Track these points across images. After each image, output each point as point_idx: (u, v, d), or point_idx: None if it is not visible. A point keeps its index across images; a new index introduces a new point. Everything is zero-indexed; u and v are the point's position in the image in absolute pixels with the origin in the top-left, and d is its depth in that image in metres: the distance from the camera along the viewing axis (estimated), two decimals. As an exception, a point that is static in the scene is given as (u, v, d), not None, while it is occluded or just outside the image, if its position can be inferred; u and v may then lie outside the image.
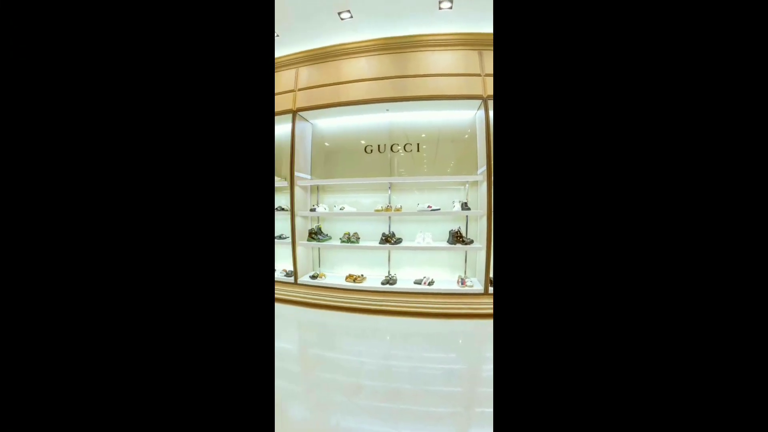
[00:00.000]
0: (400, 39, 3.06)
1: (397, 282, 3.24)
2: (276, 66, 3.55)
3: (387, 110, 3.30)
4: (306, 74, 3.42)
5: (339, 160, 3.73)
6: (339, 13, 2.74)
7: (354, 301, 3.10)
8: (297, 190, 3.46)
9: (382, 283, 3.21)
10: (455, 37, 2.99)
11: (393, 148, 3.53)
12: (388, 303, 2.99)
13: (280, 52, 3.44)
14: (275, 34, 3.10)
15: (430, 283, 3.13)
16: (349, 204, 3.60)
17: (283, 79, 3.51)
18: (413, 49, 3.07)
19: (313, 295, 3.28)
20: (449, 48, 3.01)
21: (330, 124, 3.72)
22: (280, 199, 3.90)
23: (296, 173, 3.43)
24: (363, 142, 3.61)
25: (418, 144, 3.47)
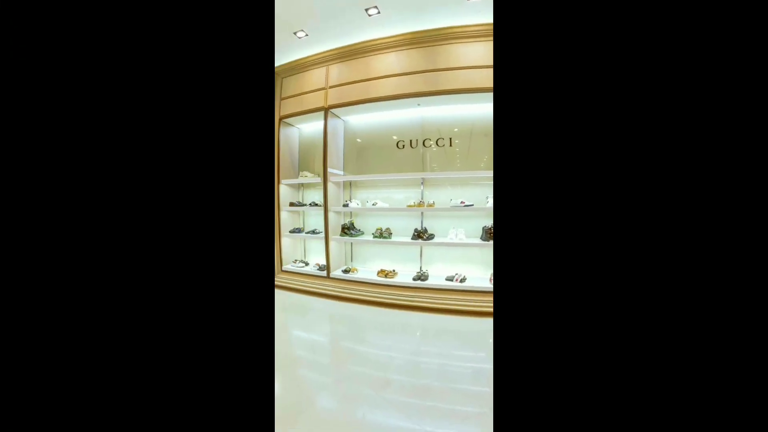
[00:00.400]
0: (429, 32, 3.01)
1: (429, 278, 3.22)
2: (306, 64, 3.63)
3: (418, 105, 3.27)
4: (336, 72, 3.46)
5: (371, 155, 3.75)
6: (366, 10, 2.73)
7: (385, 296, 3.12)
8: (330, 186, 3.52)
9: (414, 279, 3.20)
10: (485, 27, 2.88)
11: (425, 143, 3.49)
12: (419, 299, 2.98)
13: (309, 50, 3.50)
14: (305, 34, 3.17)
15: (462, 280, 3.08)
16: (382, 199, 3.61)
17: (314, 78, 3.58)
18: (443, 42, 3.00)
19: (345, 289, 3.34)
20: (480, 39, 2.91)
21: (361, 120, 3.75)
22: (314, 195, 4.00)
23: (329, 169, 3.49)
24: (395, 137, 3.60)
25: (450, 138, 3.41)
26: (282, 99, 3.80)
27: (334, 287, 3.40)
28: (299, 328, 2.81)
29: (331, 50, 3.43)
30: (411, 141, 3.54)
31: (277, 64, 3.76)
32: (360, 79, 3.30)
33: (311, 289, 3.49)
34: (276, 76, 3.83)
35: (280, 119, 3.80)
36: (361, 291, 3.25)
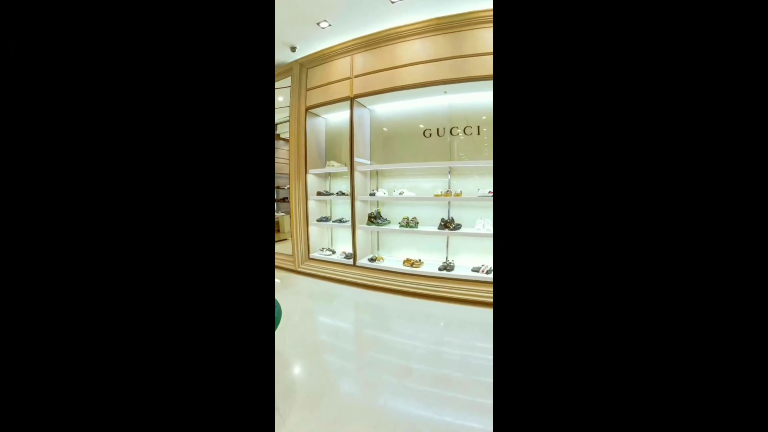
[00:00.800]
0: (455, 17, 2.91)
1: (455, 268, 3.19)
2: (330, 55, 3.63)
3: (445, 92, 3.20)
4: (361, 61, 3.44)
5: (398, 144, 3.73)
6: (389, -4, 2.69)
7: (410, 285, 3.14)
8: (357, 175, 3.55)
9: (440, 269, 3.19)
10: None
11: (452, 131, 3.42)
12: (444, 289, 2.98)
13: (333, 40, 3.49)
14: (328, 24, 3.16)
15: (489, 272, 3.03)
16: (409, 189, 3.60)
17: (339, 68, 3.58)
18: (469, 28, 2.90)
19: (371, 277, 3.39)
20: (508, 22, 2.79)
21: (387, 109, 3.72)
22: (341, 184, 4.05)
23: (356, 159, 3.51)
24: (421, 126, 3.56)
25: (478, 126, 3.32)
26: (308, 90, 3.84)
27: (360, 275, 3.45)
28: (325, 314, 2.89)
29: (355, 39, 3.41)
30: (438, 129, 3.48)
31: (301, 54, 3.80)
32: (385, 67, 3.27)
33: (338, 277, 3.57)
34: (301, 67, 3.87)
35: (306, 110, 3.84)
36: (387, 280, 3.28)
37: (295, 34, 3.37)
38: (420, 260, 3.41)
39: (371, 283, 3.33)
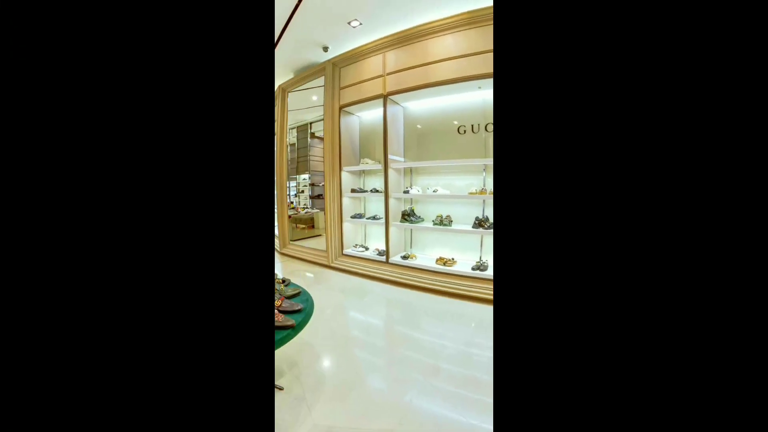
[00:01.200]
0: (486, 11, 2.81)
1: (488, 268, 3.12)
2: (363, 53, 3.66)
3: (479, 87, 3.12)
4: (393, 58, 3.43)
5: (431, 141, 3.70)
6: (419, -8, 2.67)
7: (442, 284, 3.11)
8: (391, 173, 3.56)
9: (473, 269, 3.13)
10: None
11: (487, 127, 3.33)
12: (477, 289, 2.92)
13: (364, 39, 3.51)
14: (359, 23, 3.18)
15: (524, 271, 2.94)
16: (443, 186, 3.56)
17: (371, 66, 3.60)
18: (502, 20, 2.80)
19: (403, 274, 3.39)
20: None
21: (421, 106, 3.69)
22: (375, 182, 4.08)
23: (390, 156, 3.52)
24: (456, 122, 3.50)
25: (514, 121, 3.20)
26: (341, 88, 3.90)
27: (393, 272, 3.47)
28: (356, 310, 2.93)
29: (386, 37, 3.41)
30: (472, 126, 3.41)
31: (333, 54, 3.86)
32: (417, 64, 3.25)
33: (370, 273, 3.61)
34: (333, 66, 3.93)
35: (340, 108, 3.91)
36: (419, 278, 3.27)
37: (326, 35, 3.44)
38: (453, 259, 3.36)
39: (403, 281, 3.34)
